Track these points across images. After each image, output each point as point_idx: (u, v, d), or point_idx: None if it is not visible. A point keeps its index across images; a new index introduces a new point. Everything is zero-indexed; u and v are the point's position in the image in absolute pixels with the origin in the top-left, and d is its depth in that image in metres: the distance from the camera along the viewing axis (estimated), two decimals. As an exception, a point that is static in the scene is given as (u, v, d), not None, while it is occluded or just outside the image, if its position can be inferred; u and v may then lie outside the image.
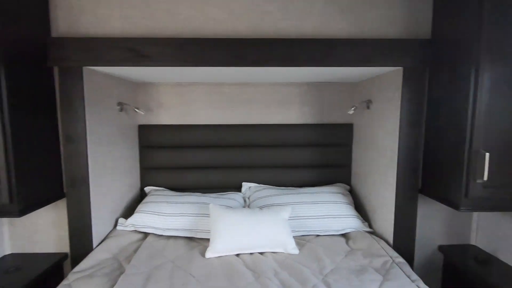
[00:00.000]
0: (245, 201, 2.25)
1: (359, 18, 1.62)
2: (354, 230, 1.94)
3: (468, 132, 1.38)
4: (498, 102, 1.35)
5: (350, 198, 2.21)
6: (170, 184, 2.34)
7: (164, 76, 1.99)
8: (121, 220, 1.95)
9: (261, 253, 1.69)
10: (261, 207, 2.04)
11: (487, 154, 1.33)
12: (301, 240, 1.86)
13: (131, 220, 1.93)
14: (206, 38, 1.56)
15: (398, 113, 1.65)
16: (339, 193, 2.15)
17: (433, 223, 1.81)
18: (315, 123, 2.38)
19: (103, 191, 1.79)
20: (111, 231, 1.89)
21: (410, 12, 1.64)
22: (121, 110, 1.98)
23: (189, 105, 2.32)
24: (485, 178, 1.34)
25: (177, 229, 1.90)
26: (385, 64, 1.57)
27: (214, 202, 2.02)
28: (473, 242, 1.80)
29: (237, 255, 1.67)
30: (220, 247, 1.65)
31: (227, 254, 1.66)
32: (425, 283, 1.83)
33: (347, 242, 1.85)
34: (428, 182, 1.70)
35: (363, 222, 2.00)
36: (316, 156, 2.37)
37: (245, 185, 2.33)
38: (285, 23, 1.61)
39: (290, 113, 2.36)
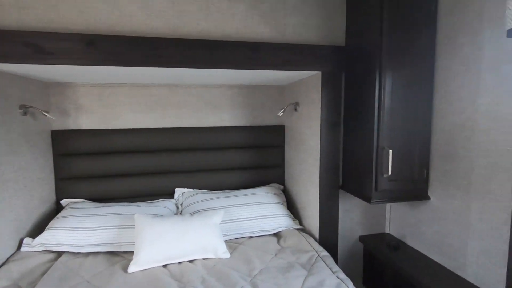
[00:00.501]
0: (178, 207, 2.16)
1: (280, 23, 1.67)
2: (285, 228, 2.00)
3: (375, 131, 1.51)
4: (398, 103, 1.51)
5: (283, 197, 2.28)
6: (94, 195, 2.12)
7: (79, 76, 1.80)
8: (27, 240, 1.69)
9: (191, 261, 1.63)
10: (193, 213, 1.97)
11: (390, 151, 1.48)
12: (234, 243, 1.85)
13: (40, 239, 1.69)
14: (120, 36, 1.45)
15: (319, 115, 1.75)
16: (272, 193, 2.20)
17: (354, 216, 1.95)
18: (248, 125, 2.40)
19: (0, 207, 1.53)
20: (13, 254, 1.63)
21: (326, 20, 1.75)
22: (24, 113, 1.73)
23: (113, 108, 2.14)
24: (390, 172, 1.48)
25: (97, 244, 1.72)
26: (305, 68, 1.65)
27: (142, 212, 1.89)
28: (387, 231, 2.00)
29: (165, 265, 1.59)
30: (145, 259, 1.54)
31: (153, 266, 1.56)
32: (349, 271, 1.99)
33: (278, 241, 1.89)
34: (347, 178, 1.83)
35: (293, 220, 2.08)
36: (250, 158, 2.39)
37: (178, 191, 2.24)
38: (207, 24, 1.58)
39: (223, 115, 2.35)
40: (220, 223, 1.90)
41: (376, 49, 1.49)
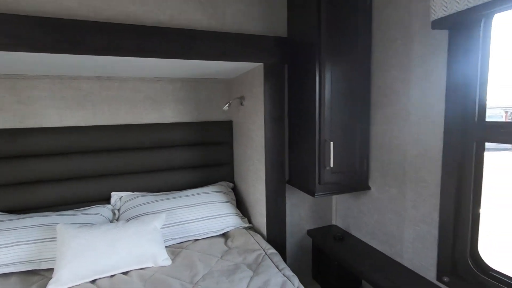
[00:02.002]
0: (114, 214, 1.94)
1: (219, 11, 1.57)
2: (233, 228, 1.92)
3: (317, 124, 1.50)
4: (337, 97, 1.51)
5: (232, 195, 2.19)
6: (9, 206, 1.81)
7: (-21, 65, 1.50)
8: None
9: (125, 273, 1.46)
10: (131, 219, 1.78)
11: (332, 143, 1.47)
12: (177, 248, 1.72)
13: None
14: (26, 16, 1.22)
15: (263, 109, 1.69)
16: (220, 192, 2.10)
17: (301, 210, 1.94)
18: (193, 121, 2.26)
19: None
20: None
21: (268, 10, 1.69)
22: None
23: (30, 104, 1.84)
24: (331, 165, 1.48)
25: (9, 264, 1.46)
26: (245, 59, 1.57)
27: (69, 221, 1.66)
28: (334, 223, 2.03)
29: (93, 281, 1.40)
30: (67, 276, 1.34)
31: (78, 283, 1.36)
32: (298, 266, 1.99)
33: (226, 242, 1.80)
34: (293, 173, 1.80)
35: (242, 219, 2.00)
36: (197, 156, 2.26)
37: (115, 195, 2.02)
38: (136, 8, 1.42)
39: (165, 111, 2.18)
40: (162, 228, 1.75)
41: (315, 42, 1.47)
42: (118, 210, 1.95)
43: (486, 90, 1.12)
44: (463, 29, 1.13)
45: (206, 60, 1.53)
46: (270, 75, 1.67)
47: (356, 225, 1.80)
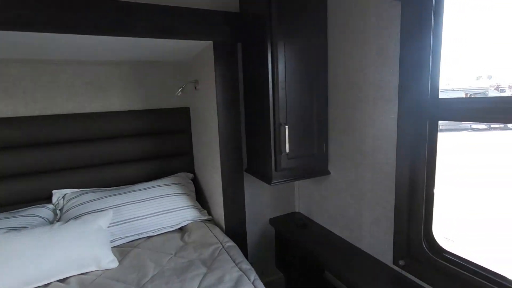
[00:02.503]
0: (56, 214, 1.75)
1: (158, -20, 1.38)
2: (191, 221, 1.80)
3: (271, 107, 1.39)
4: (292, 77, 1.41)
5: (191, 187, 2.06)
6: None
7: None
8: None
9: (63, 280, 1.31)
10: (74, 219, 1.60)
11: (287, 127, 1.38)
12: (127, 248, 1.57)
13: None
14: None
15: (215, 93, 1.55)
16: (176, 184, 1.96)
17: (263, 198, 1.86)
18: (145, 109, 2.08)
19: None
20: None
21: (217, -17, 1.53)
22: None
23: None
24: (287, 150, 1.39)
25: None
26: (191, 37, 1.41)
27: (-3, 226, 1.45)
28: (297, 210, 1.97)
29: (23, 292, 1.23)
30: (-12, 290, 1.16)
31: (2, 296, 1.19)
32: (260, 256, 1.92)
33: (182, 237, 1.68)
34: (251, 160, 1.70)
35: (201, 211, 1.88)
36: (152, 147, 2.09)
37: (57, 194, 1.82)
38: (52, -27, 1.20)
39: (111, 99, 1.97)
40: (110, 226, 1.60)
41: (266, 17, 1.34)
42: (61, 209, 1.76)
43: (439, 65, 1.06)
44: (415, 0, 1.05)
45: (145, 38, 1.35)
46: (221, 55, 1.52)
47: (319, 211, 1.75)
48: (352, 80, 1.37)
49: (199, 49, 1.69)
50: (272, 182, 1.44)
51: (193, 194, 2.01)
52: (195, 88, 1.89)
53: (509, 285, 0.90)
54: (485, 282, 0.95)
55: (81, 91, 1.88)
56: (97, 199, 1.75)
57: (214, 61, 1.51)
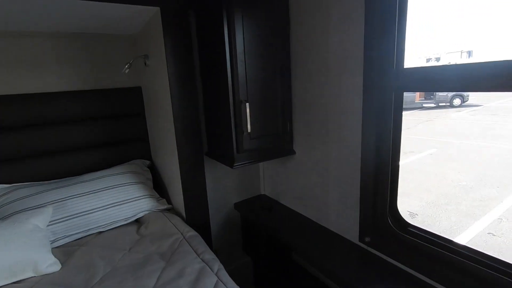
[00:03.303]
0: (-18, 214, 1.49)
1: None
2: (148, 212, 1.64)
3: (229, 83, 1.26)
4: (252, 50, 1.28)
5: (148, 174, 1.89)
6: None
7: None
8: None
9: (-10, 292, 1.11)
10: (2, 219, 1.37)
11: (247, 105, 1.26)
12: (73, 247, 1.39)
13: None
14: None
15: (166, 68, 1.37)
16: (131, 172, 1.77)
17: (227, 183, 1.76)
18: (90, 89, 1.82)
19: None
20: None
21: None
22: None
23: None
24: (249, 129, 1.28)
25: None
26: (129, 1, 1.20)
27: None
28: (263, 192, 1.90)
29: None
30: None
31: None
32: (226, 241, 1.84)
33: (138, 230, 1.53)
34: (211, 142, 1.57)
35: (159, 200, 1.73)
36: (101, 133, 1.86)
37: (-17, 190, 1.55)
38: None
39: (46, 77, 1.69)
40: (51, 224, 1.40)
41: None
42: (-12, 209, 1.50)
43: (405, 33, 1.00)
44: (381, -41, 0.97)
45: None
46: (171, 24, 1.34)
47: (285, 193, 1.69)
48: (315, 52, 1.28)
49: (145, 18, 1.47)
50: (235, 164, 1.33)
51: (150, 182, 1.85)
52: (145, 64, 1.68)
53: (473, 255, 0.90)
54: (449, 254, 0.95)
55: (7, 69, 1.58)
56: (34, 194, 1.51)
57: (162, 32, 1.32)
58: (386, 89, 1.04)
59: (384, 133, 1.08)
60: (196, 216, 1.59)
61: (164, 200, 1.75)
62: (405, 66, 1.00)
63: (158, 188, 1.90)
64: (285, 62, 1.39)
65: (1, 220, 1.29)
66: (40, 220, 1.32)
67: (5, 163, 1.60)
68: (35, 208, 1.42)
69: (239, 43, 1.24)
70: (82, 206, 1.51)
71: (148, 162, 2.03)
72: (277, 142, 1.46)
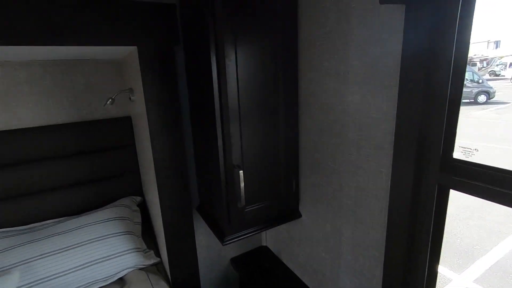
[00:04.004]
0: None
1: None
2: (133, 269, 1.44)
3: (220, 145, 1.00)
4: (248, 99, 1.01)
5: (137, 217, 1.69)
6: None
7: None
8: None
9: None
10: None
11: (241, 173, 1.00)
12: (41, 318, 1.20)
13: None
14: None
15: (145, 113, 1.13)
16: (115, 218, 1.56)
17: (221, 237, 1.52)
18: (72, 121, 1.61)
19: None
20: None
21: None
22: None
23: None
24: (243, 202, 1.03)
25: None
26: (97, 42, 0.95)
27: None
28: (264, 243, 1.66)
29: None
30: None
31: None
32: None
33: (119, 293, 1.33)
34: (202, 198, 1.34)
35: (145, 253, 1.52)
36: (86, 168, 1.66)
37: None
38: None
39: (18, 111, 1.48)
40: (17, 291, 1.21)
41: (208, 12, 0.91)
42: (-48, 266, 1.33)
43: (459, 105, 0.71)
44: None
45: (27, 46, 0.89)
46: (151, 63, 1.08)
47: (287, 253, 1.45)
48: (329, 104, 1.00)
49: (124, 51, 1.23)
50: (226, 239, 1.09)
51: (139, 227, 1.64)
52: (130, 99, 1.44)
53: None
54: None
55: (-30, 104, 1.38)
56: (2, 250, 1.33)
57: (141, 74, 1.07)
58: (425, 179, 0.76)
59: (420, 235, 0.80)
60: (184, 279, 1.37)
61: (152, 252, 1.54)
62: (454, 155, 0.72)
63: (150, 227, 1.70)
64: (291, 113, 1.12)
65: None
66: (2, 291, 1.14)
67: (-25, 209, 1.43)
68: (0, 271, 1.24)
69: (232, 93, 0.98)
70: (54, 267, 1.32)
71: (139, 198, 1.83)
72: (278, 206, 1.20)
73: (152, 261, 1.49)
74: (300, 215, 1.26)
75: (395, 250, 0.86)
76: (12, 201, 1.51)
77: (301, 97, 1.12)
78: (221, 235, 1.10)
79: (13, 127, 1.48)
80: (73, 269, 1.34)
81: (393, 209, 0.83)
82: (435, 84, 0.71)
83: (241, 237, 1.12)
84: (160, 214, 1.27)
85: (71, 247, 1.39)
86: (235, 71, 0.96)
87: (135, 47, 1.06)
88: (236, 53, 0.95)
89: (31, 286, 1.26)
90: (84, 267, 1.36)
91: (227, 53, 0.93)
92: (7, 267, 1.26)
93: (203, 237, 1.46)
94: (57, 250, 1.36)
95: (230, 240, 1.10)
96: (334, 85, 0.96)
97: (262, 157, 1.09)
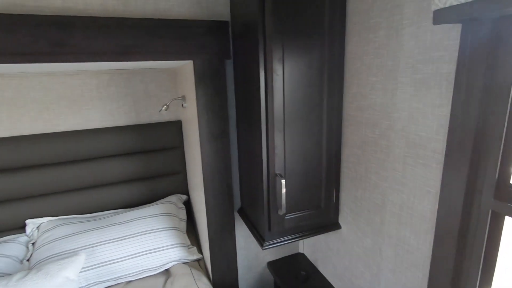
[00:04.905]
0: (28, 249, 1.57)
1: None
2: (177, 263, 1.56)
3: (264, 153, 1.05)
4: (293, 111, 1.05)
5: (183, 214, 1.82)
6: None
7: None
8: None
9: None
10: (40, 262, 1.42)
11: (283, 182, 1.05)
12: (101, 297, 1.37)
13: None
14: None
15: (197, 122, 1.23)
16: (164, 214, 1.71)
17: (260, 240, 1.58)
18: (130, 124, 1.80)
19: None
20: None
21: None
22: None
23: None
24: (284, 210, 1.07)
25: None
26: (156, 57, 1.06)
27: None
28: (301, 250, 1.68)
29: None
30: None
31: None
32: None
33: (165, 284, 1.46)
34: (244, 202, 1.40)
35: (189, 249, 1.64)
36: (139, 167, 1.83)
37: (31, 223, 1.64)
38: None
39: (89, 114, 1.70)
40: (83, 270, 1.41)
41: (257, 26, 0.97)
42: (33, 243, 1.58)
43: (516, 127, 0.67)
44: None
45: (105, 62, 1.03)
46: (204, 75, 1.18)
47: (324, 262, 1.45)
48: (375, 118, 0.99)
49: (180, 63, 1.34)
50: (265, 244, 1.14)
51: (184, 224, 1.77)
52: (182, 106, 1.56)
53: None
54: None
55: (52, 106, 1.62)
56: (71, 234, 1.54)
57: (195, 85, 1.17)
58: (477, 204, 0.73)
59: (469, 264, 0.77)
60: (224, 277, 1.46)
61: (195, 249, 1.65)
62: (512, 182, 0.68)
63: (191, 226, 1.82)
64: (335, 121, 1.13)
65: (36, 271, 1.31)
66: (72, 272, 1.32)
67: (52, 197, 1.67)
68: (70, 253, 1.44)
69: (278, 104, 1.02)
70: (112, 254, 1.48)
71: (185, 197, 1.97)
72: (319, 216, 1.22)
73: (195, 257, 1.61)
74: (339, 227, 1.26)
75: (440, 276, 0.83)
76: (80, 192, 1.73)
77: (346, 110, 1.13)
78: (261, 240, 1.16)
79: (84, 128, 1.70)
80: (128, 257, 1.50)
81: (440, 232, 0.81)
82: (491, 109, 0.68)
83: (280, 243, 1.16)
84: (205, 213, 1.37)
85: (127, 237, 1.55)
86: (282, 84, 1.01)
87: (191, 60, 1.16)
88: (283, 68, 1.00)
89: (94, 267, 1.44)
90: (137, 256, 1.51)
91: (275, 68, 0.98)
92: (75, 249, 1.46)
93: (243, 239, 1.53)
94: (116, 238, 1.53)
95: (269, 245, 1.15)
96: (381, 100, 0.95)
97: (304, 167, 1.12)
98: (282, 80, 1.00)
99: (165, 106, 1.57)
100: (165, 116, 1.86)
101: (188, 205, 1.97)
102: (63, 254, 1.44)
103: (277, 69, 0.99)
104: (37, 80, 1.57)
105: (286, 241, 1.17)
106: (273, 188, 1.08)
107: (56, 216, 1.70)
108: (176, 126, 1.89)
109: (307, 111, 1.07)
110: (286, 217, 1.12)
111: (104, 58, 1.00)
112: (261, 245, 1.14)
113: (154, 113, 1.83)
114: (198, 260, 1.61)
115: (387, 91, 0.92)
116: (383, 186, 0.99)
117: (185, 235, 1.70)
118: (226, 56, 1.18)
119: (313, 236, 1.23)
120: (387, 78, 0.92)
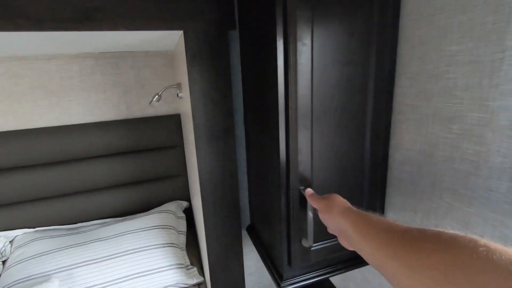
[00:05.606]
0: (-2, 268, 1.32)
1: None
2: (174, 287, 1.28)
3: (283, 163, 0.73)
4: (324, 101, 0.72)
5: (182, 225, 1.54)
6: None
7: None
8: None
9: None
10: (9, 287, 1.16)
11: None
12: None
13: None
14: None
15: (191, 116, 0.92)
16: (159, 227, 1.43)
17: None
18: (121, 118, 1.52)
19: None
20: None
21: None
22: None
23: None
24: (311, 242, 0.75)
25: None
26: (140, 27, 0.76)
27: None
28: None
29: None
30: None
31: None
32: None
33: (157, 317, 1.18)
34: (254, 219, 1.09)
35: (188, 270, 1.35)
36: (132, 168, 1.56)
37: (4, 237, 1.39)
38: None
39: (70, 107, 1.43)
40: (57, 299, 1.14)
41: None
42: (4, 262, 1.33)
43: None
44: None
45: (59, 31, 0.73)
46: (200, 53, 0.86)
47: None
48: (453, 114, 0.66)
49: (173, 40, 1.03)
50: (283, 283, 0.83)
51: (183, 237, 1.49)
52: (177, 95, 1.26)
53: None
54: None
55: (25, 98, 1.35)
56: (47, 252, 1.28)
57: (187, 67, 0.86)
58: None
59: None
60: (229, 313, 1.16)
61: (195, 270, 1.37)
62: None
63: (193, 237, 1.54)
64: (382, 119, 0.80)
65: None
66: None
67: (29, 204, 1.42)
68: (39, 279, 1.17)
69: (303, 93, 0.70)
70: (92, 278, 1.21)
71: (185, 203, 1.69)
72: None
73: (195, 281, 1.32)
74: (383, 257, 0.93)
75: None
76: (60, 199, 1.47)
77: (400, 97, 0.79)
78: (277, 276, 0.85)
79: (65, 123, 1.43)
80: (113, 282, 1.22)
81: None
82: None
83: (304, 282, 0.85)
84: (204, 236, 1.07)
85: (113, 256, 1.28)
86: (310, 59, 0.68)
87: (180, 32, 0.84)
88: (312, 35, 0.67)
89: (72, 295, 1.17)
90: (125, 281, 1.23)
91: (299, 35, 0.65)
92: (48, 272, 1.19)
93: (253, 262, 1.23)
94: (99, 258, 1.26)
95: (289, 284, 0.83)
96: (469, 80, 0.61)
97: (338, 179, 0.79)
98: (311, 53, 0.68)
99: (156, 97, 1.27)
100: (161, 109, 1.57)
101: (189, 212, 1.69)
102: (33, 278, 1.17)
103: (303, 36, 0.66)
104: (4, 65, 1.29)
105: (311, 279, 0.86)
106: (296, 208, 0.76)
107: (34, 228, 1.44)
108: (174, 121, 1.59)
109: (344, 100, 0.74)
110: (312, 248, 0.80)
111: (55, 26, 0.70)
112: (278, 284, 0.83)
113: (148, 105, 1.54)
114: (198, 284, 1.32)
115: (482, 65, 0.58)
116: (466, 212, 0.66)
117: (184, 253, 1.42)
118: (229, 26, 0.86)
119: (349, 271, 0.91)
120: (483, 43, 0.58)
